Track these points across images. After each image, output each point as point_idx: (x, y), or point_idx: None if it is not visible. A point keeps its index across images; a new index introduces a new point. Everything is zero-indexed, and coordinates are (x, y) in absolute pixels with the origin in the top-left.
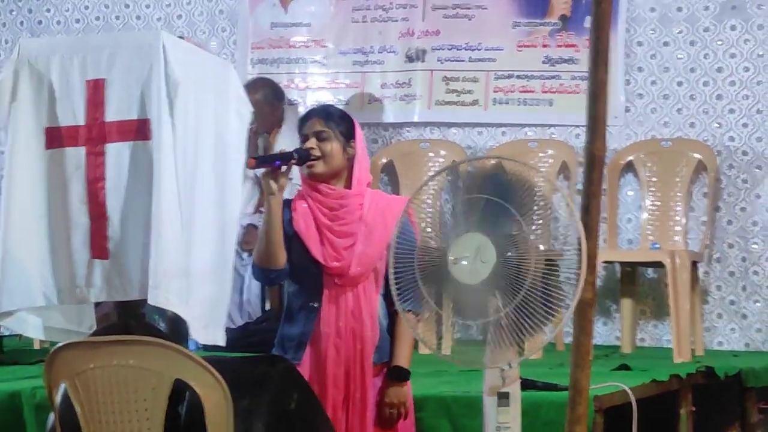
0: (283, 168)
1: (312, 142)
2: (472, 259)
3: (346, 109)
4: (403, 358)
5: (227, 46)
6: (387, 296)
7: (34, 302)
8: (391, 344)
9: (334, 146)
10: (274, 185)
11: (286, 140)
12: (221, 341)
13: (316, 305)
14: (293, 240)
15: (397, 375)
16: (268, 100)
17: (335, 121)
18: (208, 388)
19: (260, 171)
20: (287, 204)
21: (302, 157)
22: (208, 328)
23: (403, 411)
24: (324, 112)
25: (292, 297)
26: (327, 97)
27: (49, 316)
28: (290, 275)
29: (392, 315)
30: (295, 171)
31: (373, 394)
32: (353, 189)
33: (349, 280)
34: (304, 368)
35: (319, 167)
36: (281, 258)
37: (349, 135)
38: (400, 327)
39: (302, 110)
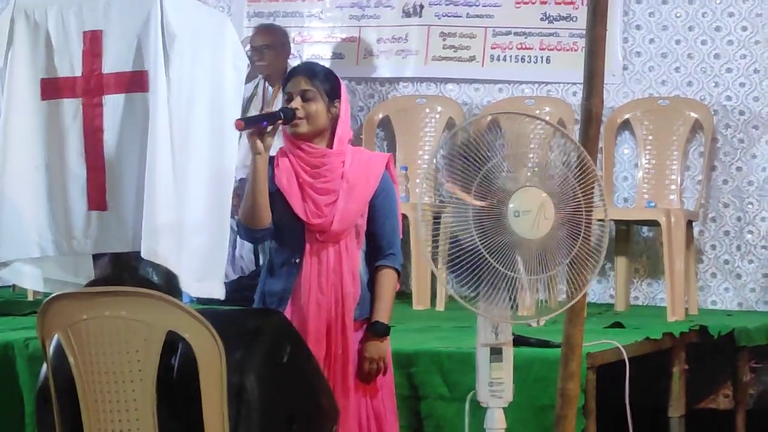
0: (269, 128)
1: (297, 102)
2: (535, 214)
3: (342, 64)
4: (383, 314)
5: None
6: (368, 252)
7: (30, 253)
8: (371, 300)
9: (318, 106)
10: (260, 145)
11: None
12: (219, 294)
13: (297, 261)
14: (275, 196)
15: (377, 330)
16: (274, 46)
17: (320, 79)
18: (201, 341)
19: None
20: (270, 160)
21: (288, 116)
22: (203, 281)
23: (382, 366)
24: (309, 71)
25: (273, 253)
26: (323, 51)
27: (46, 266)
28: (273, 231)
29: (373, 271)
30: None
31: (354, 350)
32: (335, 147)
33: (331, 236)
34: None
35: (303, 127)
36: (266, 217)
37: (333, 94)
38: (381, 282)
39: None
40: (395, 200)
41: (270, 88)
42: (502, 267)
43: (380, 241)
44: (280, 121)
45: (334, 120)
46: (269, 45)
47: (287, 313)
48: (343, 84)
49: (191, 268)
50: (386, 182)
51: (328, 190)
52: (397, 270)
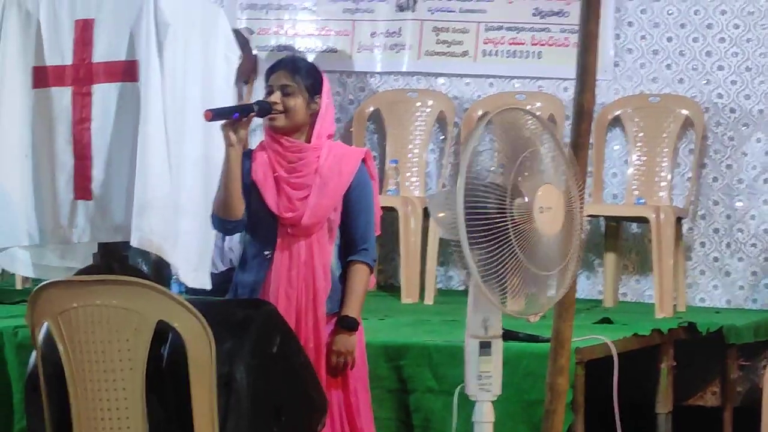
0: (243, 119)
1: (276, 96)
2: (554, 211)
3: (335, 57)
4: (352, 308)
5: None
6: (341, 247)
7: (19, 241)
8: (342, 294)
9: (297, 102)
10: (233, 136)
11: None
12: (208, 285)
13: (268, 254)
14: (251, 189)
15: (346, 324)
16: (245, 43)
17: (302, 75)
18: (191, 330)
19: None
20: (248, 154)
21: (263, 109)
22: (198, 271)
23: (350, 360)
24: (291, 65)
25: (247, 245)
26: (316, 45)
27: (39, 253)
28: (246, 224)
29: (345, 266)
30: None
31: (326, 343)
32: (312, 142)
33: (302, 230)
34: None
35: (281, 121)
36: (239, 209)
37: (315, 90)
38: (352, 277)
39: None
40: (371, 195)
41: (244, 86)
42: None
43: (354, 236)
44: (253, 114)
45: (314, 116)
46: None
47: None
48: (326, 80)
49: (187, 258)
50: (362, 177)
51: (302, 184)
52: (369, 265)
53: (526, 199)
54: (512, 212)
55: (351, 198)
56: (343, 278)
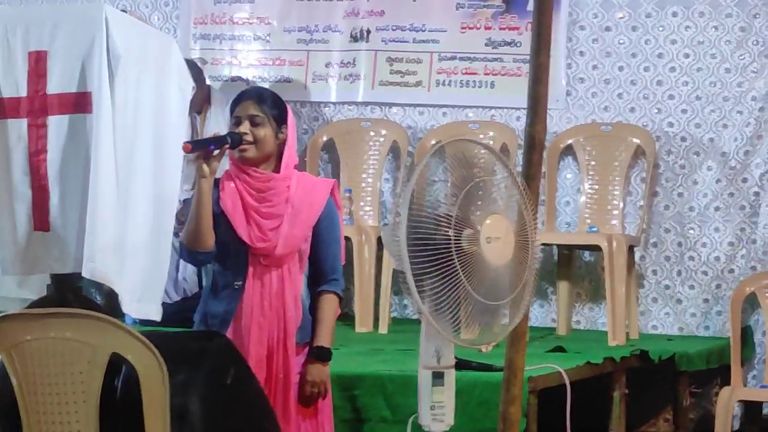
0: (216, 152)
1: (245, 126)
2: (503, 241)
3: (289, 87)
4: (325, 338)
5: (170, 20)
6: (310, 277)
7: None
8: (313, 324)
9: (266, 132)
10: (206, 168)
11: (218, 117)
12: (156, 315)
13: (240, 284)
14: (220, 219)
15: (319, 354)
16: (198, 73)
17: (269, 105)
18: (145, 362)
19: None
20: (215, 183)
21: (235, 141)
22: (141, 302)
23: (323, 389)
24: (257, 96)
25: (217, 275)
26: (270, 75)
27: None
28: (215, 254)
29: (315, 296)
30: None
31: (296, 373)
32: (281, 172)
33: (275, 260)
34: None
35: (251, 152)
36: (210, 240)
37: (281, 120)
38: (323, 307)
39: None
40: (338, 226)
41: (197, 117)
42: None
43: (323, 266)
44: (227, 146)
45: (281, 145)
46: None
47: (228, 335)
48: (290, 109)
49: (131, 289)
50: (330, 208)
51: (273, 214)
52: (339, 295)
53: (472, 230)
54: (459, 243)
55: (321, 228)
56: (313, 308)
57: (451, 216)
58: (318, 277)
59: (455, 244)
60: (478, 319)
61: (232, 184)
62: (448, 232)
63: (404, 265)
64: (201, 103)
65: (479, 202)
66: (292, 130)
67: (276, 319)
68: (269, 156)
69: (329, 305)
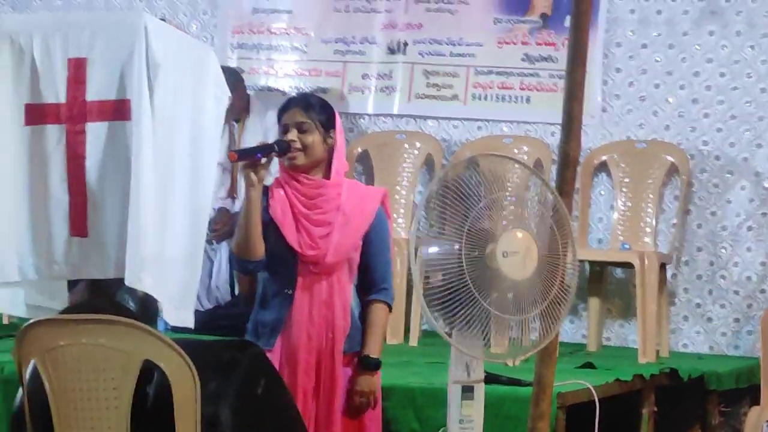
0: (263, 160)
1: (293, 134)
2: (522, 255)
3: (326, 98)
4: (374, 348)
5: (207, 29)
6: (360, 286)
7: (10, 276)
8: (362, 333)
9: (315, 138)
10: (254, 177)
11: (256, 126)
12: (190, 323)
13: (290, 292)
14: (269, 226)
15: (368, 364)
16: (232, 87)
17: (316, 111)
18: (177, 370)
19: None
20: (264, 191)
21: (283, 148)
22: (179, 310)
23: (372, 400)
24: (304, 102)
25: (267, 283)
26: (306, 85)
27: (24, 291)
28: (266, 262)
29: (364, 305)
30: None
31: (343, 384)
32: (332, 179)
33: (325, 269)
34: (276, 355)
35: (300, 159)
36: (260, 249)
37: (329, 125)
38: (372, 317)
39: (275, 98)
40: (389, 235)
41: (235, 125)
42: (493, 308)
43: (373, 275)
44: (273, 154)
45: (330, 151)
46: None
47: (278, 344)
48: (338, 115)
49: (170, 296)
50: (381, 216)
51: (324, 221)
52: (389, 304)
53: (485, 245)
54: (471, 257)
55: (371, 237)
56: (362, 317)
57: (463, 230)
58: (368, 286)
59: (467, 258)
60: (500, 334)
61: (282, 192)
62: (456, 246)
63: (414, 280)
64: (240, 111)
65: (498, 218)
66: (340, 135)
67: (325, 327)
68: (319, 162)
69: (379, 315)
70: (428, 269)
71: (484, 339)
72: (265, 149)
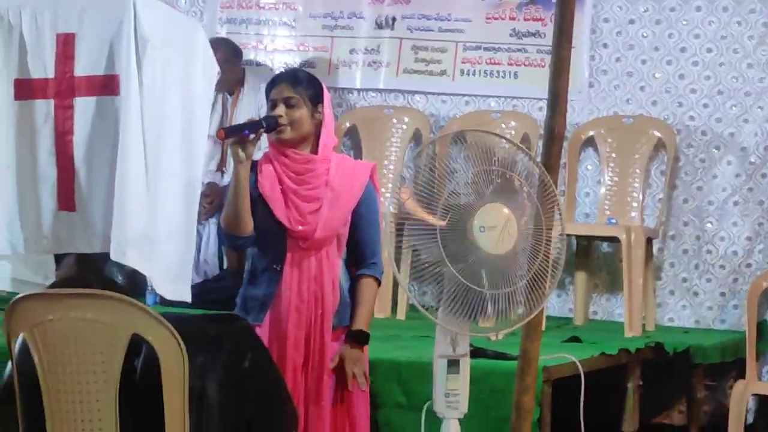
0: (251, 137)
1: (281, 109)
2: (500, 230)
3: (313, 73)
4: (362, 322)
5: (196, 4)
6: (349, 261)
7: (2, 250)
8: (351, 308)
9: (302, 113)
10: (242, 154)
11: (250, 100)
12: (187, 297)
13: (278, 268)
14: (258, 202)
15: (357, 338)
16: (227, 59)
17: (303, 86)
18: (165, 344)
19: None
20: (253, 166)
21: (270, 124)
22: (176, 284)
23: (361, 372)
24: (292, 78)
25: (256, 258)
26: (294, 60)
27: (13, 266)
28: (255, 237)
29: (354, 279)
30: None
31: (331, 358)
32: (320, 154)
33: (314, 244)
34: (265, 330)
35: (288, 134)
36: (249, 225)
37: (317, 100)
38: (362, 291)
39: (269, 72)
40: (378, 209)
41: (229, 98)
42: (468, 281)
43: (363, 250)
44: (262, 130)
45: (318, 126)
46: (219, 60)
47: (267, 319)
48: (326, 90)
49: (164, 271)
50: (369, 191)
51: (313, 197)
52: (378, 279)
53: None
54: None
55: (360, 212)
56: (351, 292)
57: (437, 205)
58: (357, 261)
59: (443, 232)
60: (484, 308)
61: (270, 167)
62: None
63: (388, 248)
64: (234, 84)
65: (479, 192)
66: (328, 110)
67: (314, 302)
68: (306, 137)
69: (368, 290)
70: (410, 244)
71: (469, 313)
72: (253, 126)
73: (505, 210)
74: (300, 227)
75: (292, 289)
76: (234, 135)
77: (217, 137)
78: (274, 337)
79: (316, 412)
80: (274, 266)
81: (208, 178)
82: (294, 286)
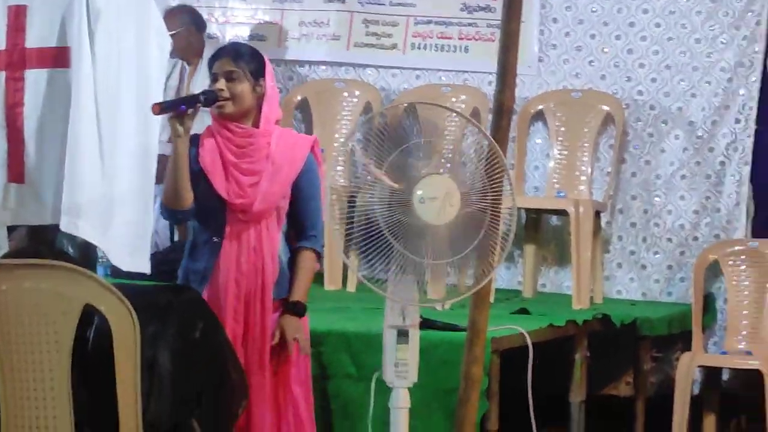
0: (189, 111)
1: (221, 83)
2: (441, 201)
3: (264, 45)
4: (300, 293)
5: None
6: (289, 233)
7: None
8: (291, 280)
9: (243, 87)
10: (180, 128)
11: (206, 71)
12: (146, 268)
13: (218, 240)
14: (199, 176)
15: (294, 309)
16: (189, 28)
17: (245, 60)
18: (117, 314)
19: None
20: (194, 140)
21: (210, 98)
22: (134, 256)
23: (301, 342)
24: (234, 52)
25: (196, 232)
26: (246, 33)
27: None
28: (195, 210)
29: (293, 252)
30: None
31: (271, 329)
32: (261, 127)
33: (253, 217)
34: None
35: (229, 108)
36: (188, 198)
37: (258, 73)
38: (300, 263)
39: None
40: (318, 182)
41: (186, 68)
42: (408, 251)
43: (303, 222)
44: (199, 105)
45: (260, 99)
46: (178, 29)
47: (207, 290)
48: (269, 63)
49: (121, 243)
50: (310, 164)
51: (253, 170)
52: (317, 251)
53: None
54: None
55: (300, 184)
56: (290, 264)
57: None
58: (297, 234)
59: (383, 201)
60: (433, 279)
61: (212, 141)
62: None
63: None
64: (195, 53)
65: (415, 161)
66: (271, 83)
67: (254, 274)
68: (248, 111)
69: (307, 261)
70: (354, 215)
71: (418, 284)
72: (190, 100)
73: (448, 181)
74: (239, 200)
75: (231, 262)
76: (170, 110)
77: (152, 112)
78: (215, 309)
79: (260, 382)
80: (214, 239)
81: (160, 150)
82: (233, 258)
